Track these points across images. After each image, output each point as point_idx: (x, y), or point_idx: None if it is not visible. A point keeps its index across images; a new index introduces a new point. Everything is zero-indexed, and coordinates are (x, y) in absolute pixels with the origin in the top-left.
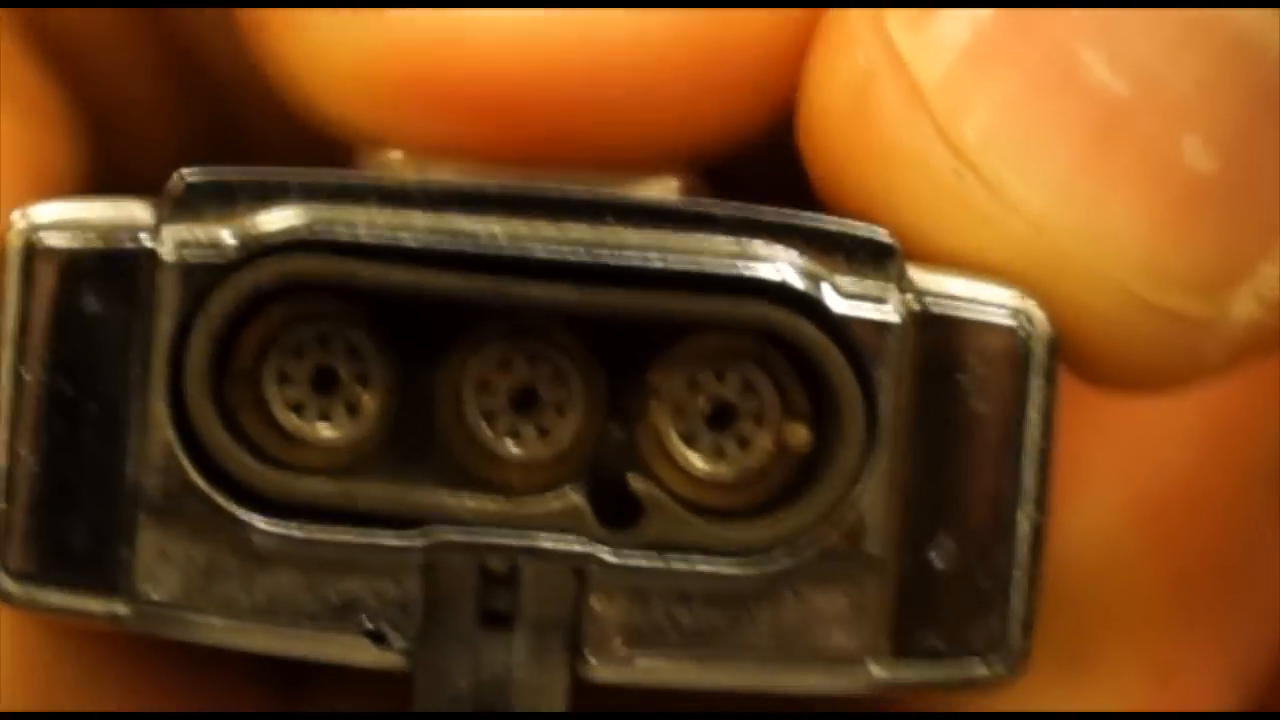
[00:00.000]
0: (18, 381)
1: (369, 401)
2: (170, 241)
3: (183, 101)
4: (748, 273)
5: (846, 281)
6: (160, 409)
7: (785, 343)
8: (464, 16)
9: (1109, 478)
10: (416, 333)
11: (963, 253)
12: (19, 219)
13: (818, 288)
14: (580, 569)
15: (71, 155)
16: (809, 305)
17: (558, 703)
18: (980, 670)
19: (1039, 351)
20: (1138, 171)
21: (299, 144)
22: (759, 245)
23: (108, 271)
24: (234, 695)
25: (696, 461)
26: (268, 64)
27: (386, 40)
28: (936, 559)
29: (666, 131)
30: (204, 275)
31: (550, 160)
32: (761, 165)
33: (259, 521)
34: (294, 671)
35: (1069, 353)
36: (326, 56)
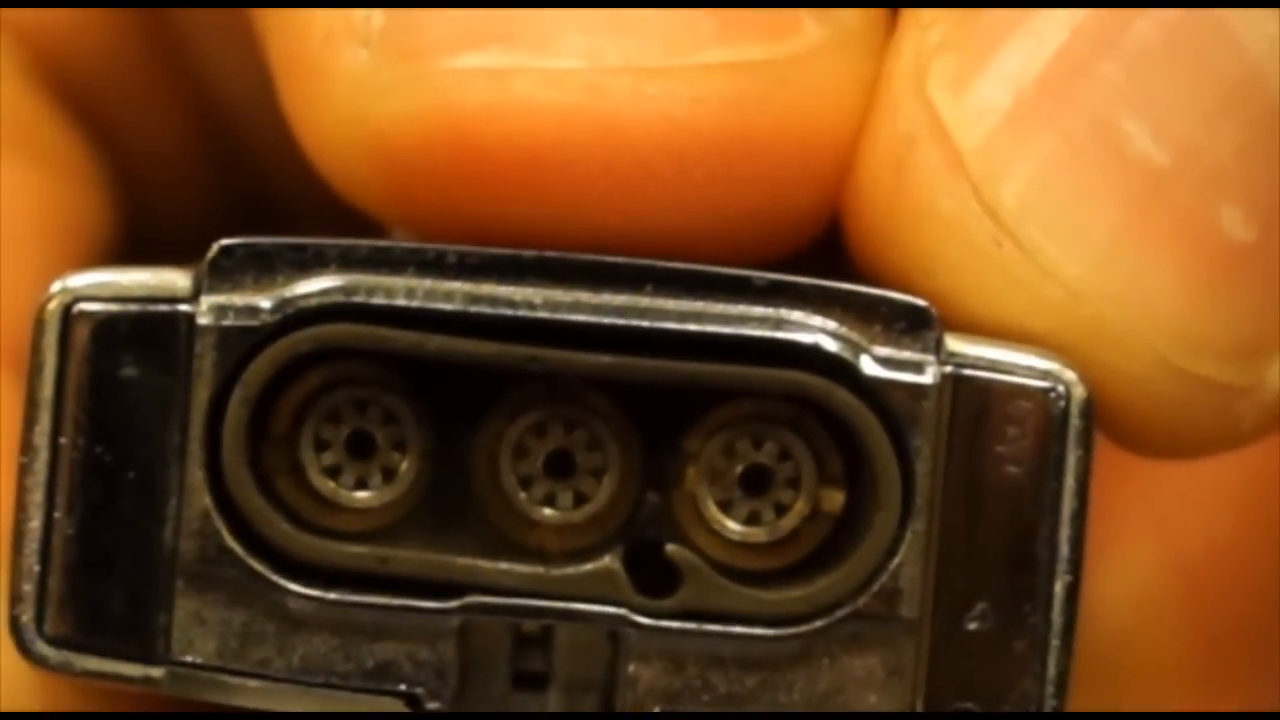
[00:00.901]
0: (54, 447)
1: (405, 467)
2: (208, 308)
3: (210, 156)
4: (784, 339)
5: (883, 348)
6: (197, 475)
7: (821, 409)
8: (509, 66)
9: (1146, 539)
10: (453, 398)
11: (1000, 319)
12: (56, 286)
13: (854, 354)
14: (615, 632)
15: (100, 210)
16: (845, 372)
17: None
18: None
19: (1075, 416)
20: (1176, 240)
21: (327, 200)
22: (796, 313)
23: (145, 338)
24: None
25: (732, 526)
26: (294, 126)
27: (428, 90)
28: (971, 623)
29: (704, 202)
30: (241, 342)
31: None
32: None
33: (295, 586)
34: None
35: (1105, 418)
36: (364, 115)
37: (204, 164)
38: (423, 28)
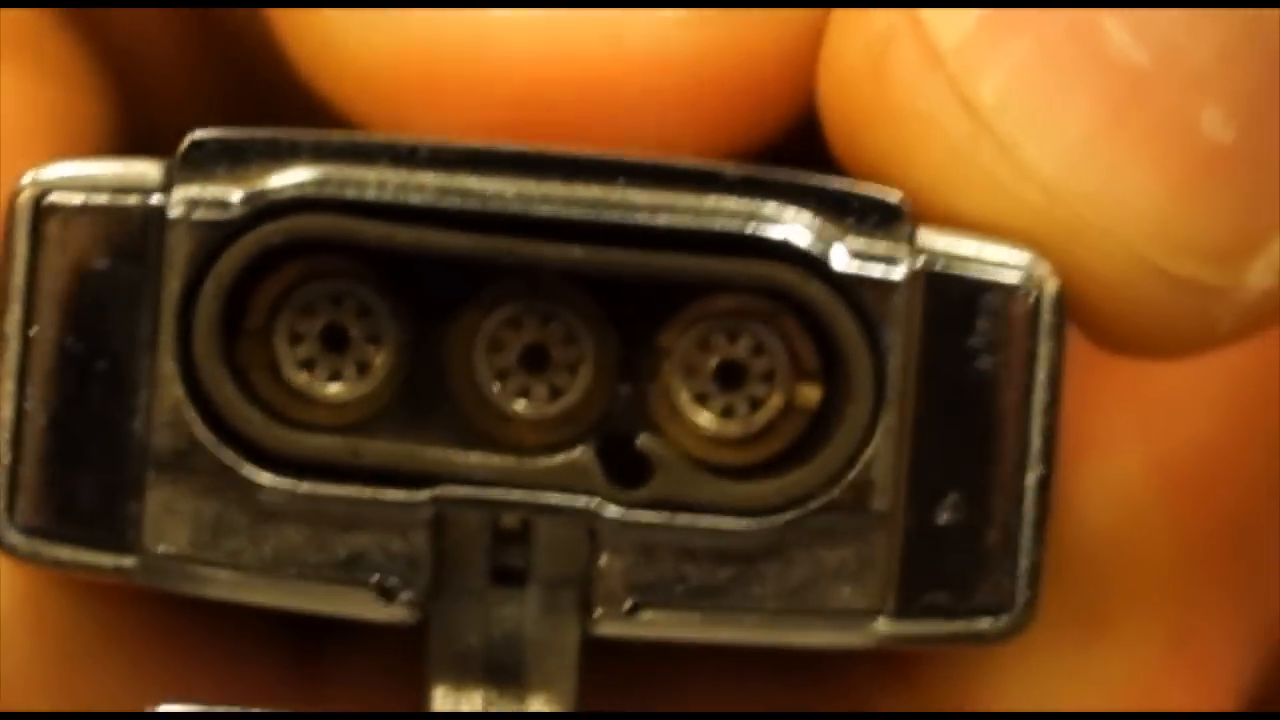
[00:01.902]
0: (25, 337)
1: (379, 360)
2: (179, 200)
3: (209, 63)
4: (756, 233)
5: (856, 242)
6: (169, 366)
7: (795, 303)
8: (486, 18)
9: (1130, 440)
10: (428, 292)
11: (976, 216)
12: (28, 177)
13: (826, 248)
14: (593, 528)
15: (98, 117)
16: (817, 265)
17: (569, 658)
18: (986, 626)
19: (1047, 310)
20: (1155, 140)
21: (324, 105)
22: (769, 206)
23: (117, 229)
24: (247, 651)
25: (706, 420)
26: (289, 56)
27: (406, 40)
28: (944, 516)
29: (686, 135)
30: (212, 234)
31: None
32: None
33: (266, 478)
34: (307, 628)
35: (1082, 317)
36: (346, 55)
37: (206, 72)
38: None
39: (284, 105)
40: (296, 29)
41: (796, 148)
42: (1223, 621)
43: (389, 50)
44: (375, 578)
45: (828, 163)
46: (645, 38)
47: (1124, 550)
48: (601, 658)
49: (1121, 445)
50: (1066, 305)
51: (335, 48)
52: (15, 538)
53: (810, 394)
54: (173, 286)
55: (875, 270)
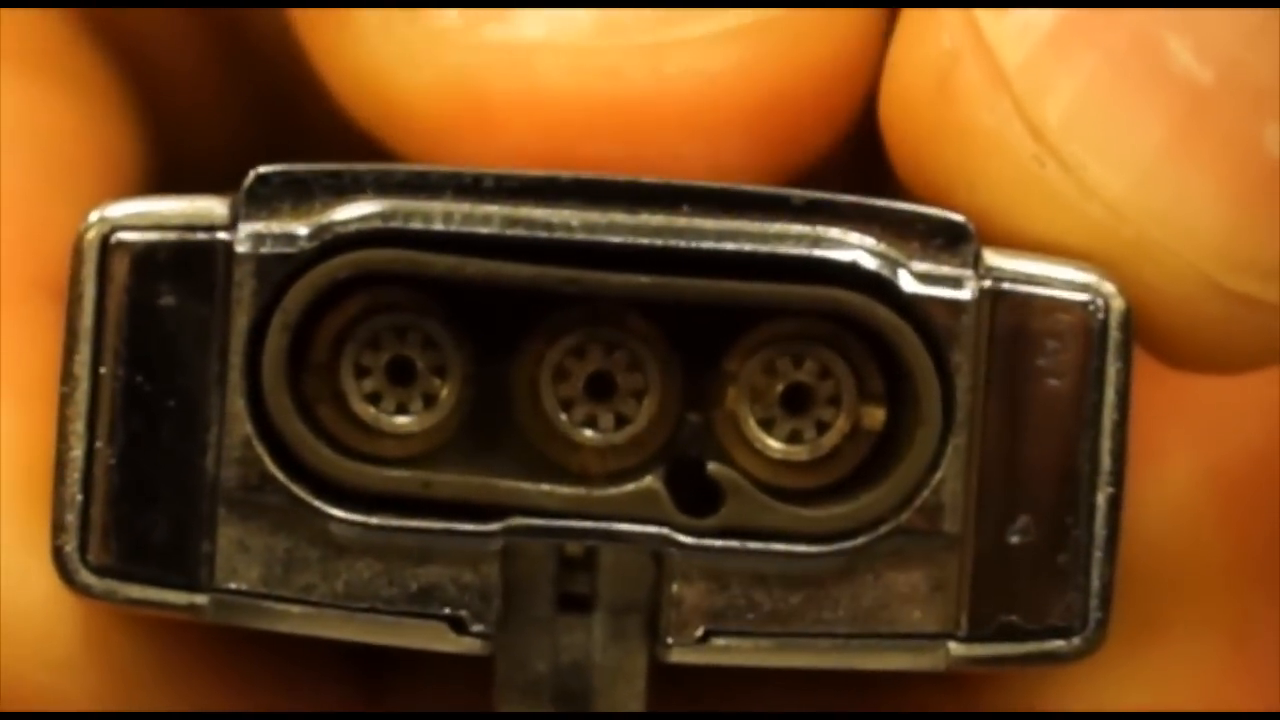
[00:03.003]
0: (95, 376)
1: (446, 392)
2: (245, 236)
3: (242, 87)
4: (822, 257)
5: (921, 264)
6: (238, 403)
7: (860, 325)
8: (527, 48)
9: (1184, 449)
10: (492, 322)
11: (1042, 236)
12: (94, 216)
13: (892, 270)
14: (658, 552)
15: (132, 137)
16: (883, 288)
17: (637, 684)
18: (1058, 646)
19: (1114, 328)
20: (1219, 158)
21: (357, 129)
22: (833, 230)
23: (183, 267)
24: (311, 683)
25: (773, 445)
26: (323, 79)
27: (447, 71)
28: (1014, 537)
29: (733, 158)
30: (279, 269)
31: None
32: (849, 162)
33: (337, 512)
34: (374, 661)
35: (1146, 335)
36: (386, 86)
37: (234, 94)
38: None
39: (314, 125)
40: (334, 59)
41: (855, 164)
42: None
43: (429, 81)
44: (447, 610)
45: (887, 179)
46: (687, 63)
47: (1179, 557)
48: (670, 679)
49: (1173, 453)
50: (1133, 322)
51: (375, 78)
52: (88, 578)
53: (875, 416)
54: (240, 322)
55: (943, 292)
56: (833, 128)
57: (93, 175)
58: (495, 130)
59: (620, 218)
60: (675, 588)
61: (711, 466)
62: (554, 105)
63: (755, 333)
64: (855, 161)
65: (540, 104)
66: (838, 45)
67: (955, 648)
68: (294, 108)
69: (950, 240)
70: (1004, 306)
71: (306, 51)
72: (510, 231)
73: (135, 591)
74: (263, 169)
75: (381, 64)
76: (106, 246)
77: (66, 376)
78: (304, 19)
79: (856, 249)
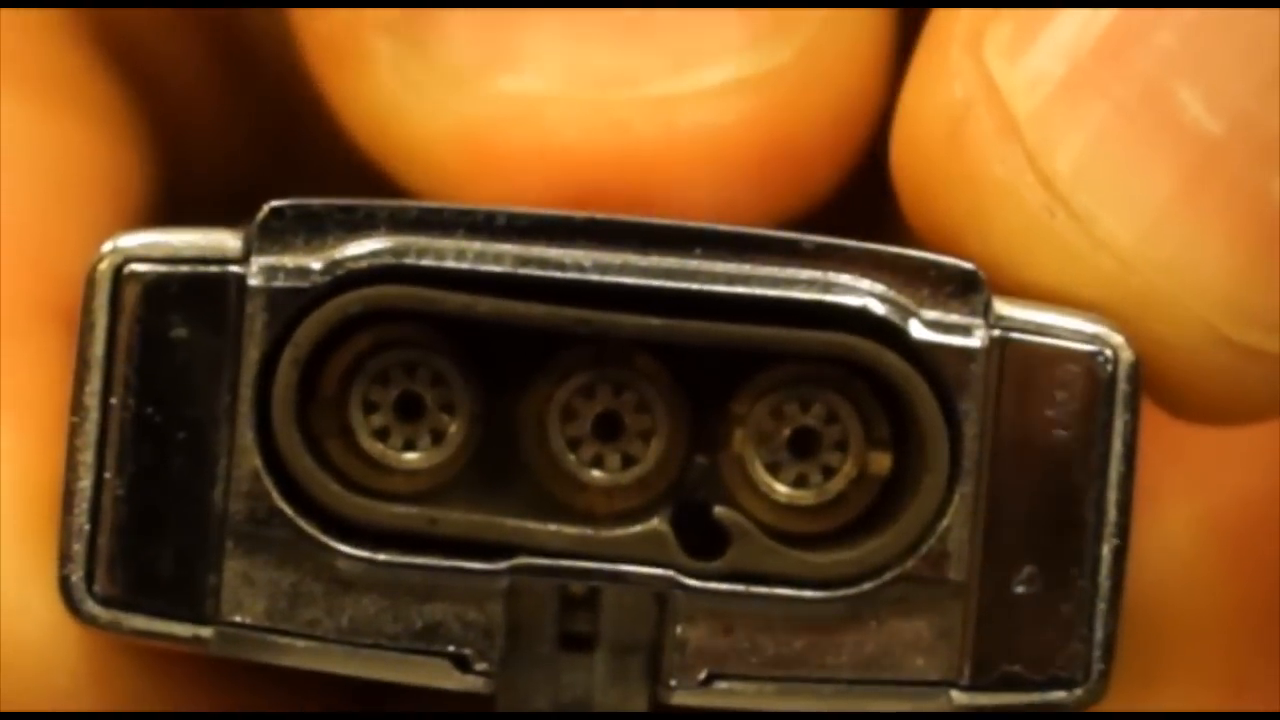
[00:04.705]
0: (105, 407)
1: (454, 429)
2: (258, 269)
3: (247, 106)
4: (832, 302)
5: (931, 312)
6: (247, 436)
7: (868, 372)
8: (539, 96)
9: (1182, 496)
10: (502, 360)
11: (1052, 286)
12: (107, 246)
13: (902, 317)
14: (662, 594)
15: (137, 157)
16: (893, 335)
17: None
18: (1061, 697)
19: (1122, 380)
20: (1228, 210)
21: (363, 158)
22: (844, 276)
23: (196, 299)
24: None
25: (779, 489)
26: (335, 113)
27: (459, 115)
28: (1019, 587)
29: (740, 204)
30: (291, 303)
31: None
32: (849, 199)
33: (344, 547)
34: (376, 700)
35: (1151, 386)
36: (398, 128)
37: (240, 114)
38: (453, 42)
39: (320, 147)
40: (346, 98)
41: (865, 209)
42: (1277, 672)
43: (441, 129)
44: (451, 648)
45: (898, 224)
46: (698, 116)
47: (1176, 603)
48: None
49: (1172, 501)
50: (1142, 375)
51: (387, 120)
52: (94, 608)
53: (881, 462)
54: (251, 355)
55: (952, 340)
56: (839, 170)
57: (100, 197)
58: (505, 178)
59: (632, 259)
60: (679, 630)
61: (718, 510)
62: (564, 156)
63: (763, 376)
64: (865, 206)
65: (550, 154)
66: (848, 91)
67: (958, 696)
68: (300, 129)
69: (961, 288)
70: (1013, 356)
71: (319, 88)
72: (522, 270)
73: (140, 623)
74: (276, 202)
75: (394, 107)
76: (119, 277)
77: (77, 406)
78: (316, 56)
79: (867, 295)
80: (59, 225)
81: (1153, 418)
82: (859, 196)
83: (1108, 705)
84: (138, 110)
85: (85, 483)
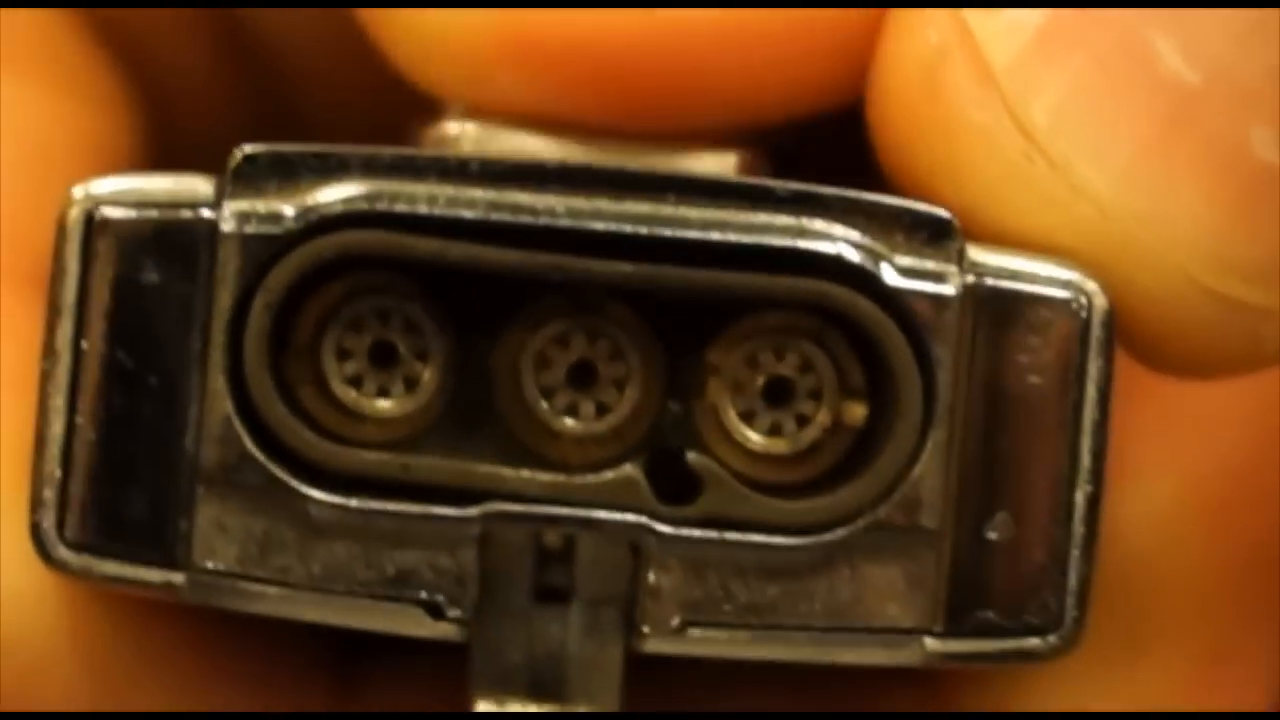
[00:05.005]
0: (76, 352)
1: (427, 376)
2: (230, 215)
3: (238, 81)
4: (806, 248)
5: (905, 258)
6: (219, 381)
7: (843, 319)
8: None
9: (1164, 461)
10: (475, 308)
11: (1027, 233)
12: (79, 192)
13: (876, 264)
14: (636, 543)
15: (128, 133)
16: (867, 281)
17: (613, 675)
18: (1035, 644)
19: (1096, 326)
20: (1205, 159)
21: (355, 125)
22: (818, 222)
23: (167, 244)
24: (288, 669)
25: (754, 438)
26: (366, 29)
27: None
28: (992, 533)
29: (748, 96)
30: (264, 248)
31: (630, 126)
32: (825, 145)
33: (316, 493)
34: (351, 648)
35: (1129, 337)
36: (433, 22)
37: (233, 91)
38: None
39: (311, 121)
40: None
41: (841, 158)
42: (1259, 640)
43: (478, 17)
44: (423, 594)
45: (873, 173)
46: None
47: (1159, 571)
48: (644, 672)
49: (1154, 468)
50: (1115, 323)
51: (421, 18)
52: (65, 553)
53: (856, 411)
54: (224, 301)
55: (926, 286)
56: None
57: (85, 169)
58: (540, 63)
59: (605, 204)
60: (652, 577)
61: (691, 456)
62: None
63: (738, 325)
64: (841, 155)
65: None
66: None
67: (931, 643)
68: (291, 102)
69: (934, 235)
70: (986, 301)
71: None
72: (495, 216)
73: (112, 568)
74: (249, 147)
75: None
76: (90, 223)
77: (48, 352)
78: None
79: (841, 241)
80: (40, 195)
81: (1138, 386)
82: (838, 147)
83: (1088, 668)
84: (123, 79)
85: (56, 429)
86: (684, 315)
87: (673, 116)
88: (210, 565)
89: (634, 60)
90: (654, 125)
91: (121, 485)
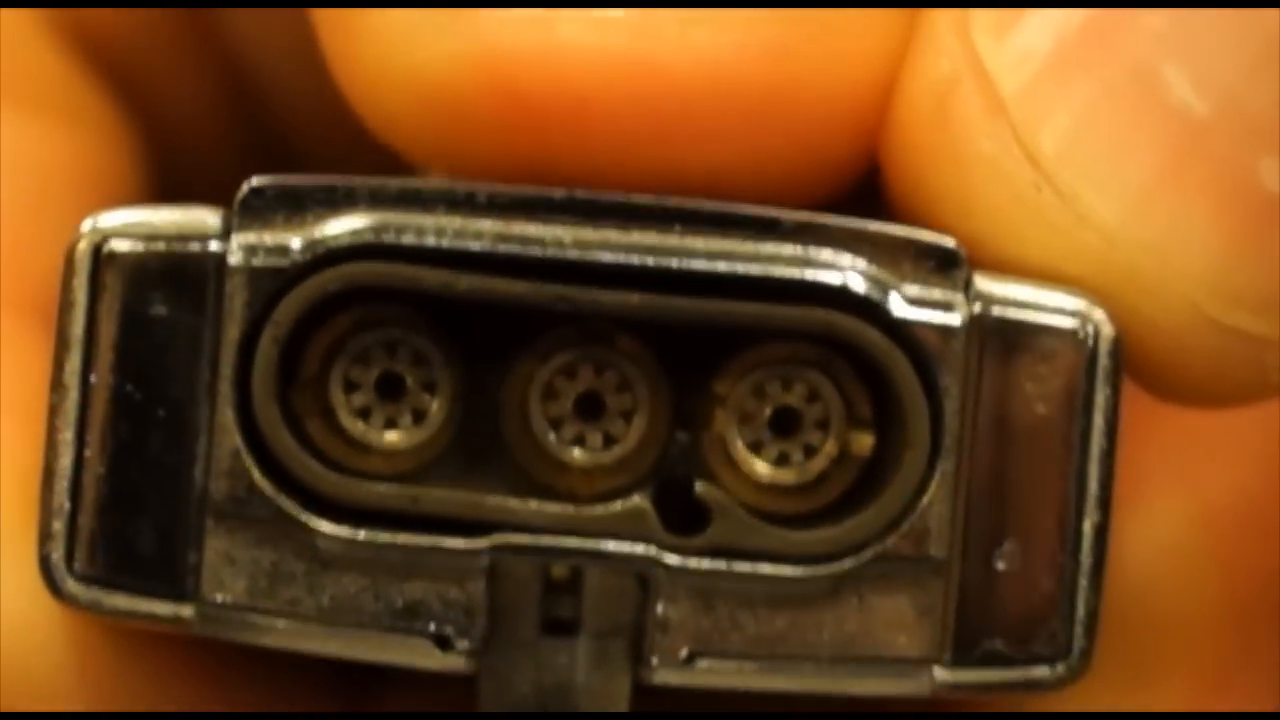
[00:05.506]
0: (85, 385)
1: (435, 408)
2: (238, 247)
3: (231, 108)
4: (812, 279)
5: (912, 288)
6: (227, 414)
7: (850, 349)
8: (555, 19)
9: (1171, 489)
10: (483, 340)
11: (1035, 263)
12: (87, 225)
13: (882, 293)
14: (644, 575)
15: (127, 162)
16: (873, 311)
17: (621, 706)
18: (1042, 673)
19: (1103, 355)
20: (1212, 190)
21: (349, 152)
22: (825, 252)
23: (176, 277)
24: (298, 700)
25: (761, 468)
26: (335, 69)
27: (474, 41)
28: (1000, 563)
29: (747, 161)
30: (271, 281)
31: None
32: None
33: (324, 526)
34: (360, 680)
35: (1135, 366)
36: (406, 62)
37: (229, 121)
38: None
39: (305, 147)
40: (351, 44)
41: (855, 203)
42: (1265, 669)
43: (455, 53)
44: (432, 626)
45: (877, 201)
46: (716, 40)
47: (1167, 598)
48: (652, 706)
49: (1162, 497)
50: (1122, 352)
51: (396, 55)
52: (74, 587)
53: (863, 441)
54: (232, 334)
55: (933, 316)
56: (845, 133)
57: (84, 199)
58: (518, 98)
59: (613, 235)
60: (660, 609)
61: (699, 487)
62: (576, 68)
63: (745, 355)
64: (853, 195)
65: (562, 68)
66: (865, 43)
67: (940, 673)
68: (289, 139)
69: (941, 264)
70: (993, 331)
71: (323, 51)
72: (502, 248)
73: (121, 601)
74: (257, 180)
75: (404, 45)
76: (99, 255)
77: (56, 385)
78: (321, 16)
79: (847, 271)
80: (39, 225)
81: (1146, 413)
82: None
83: (1095, 696)
84: (120, 109)
85: (65, 461)
86: (691, 346)
87: (654, 170)
88: (219, 598)
89: (623, 107)
90: (634, 181)
91: (130, 518)
